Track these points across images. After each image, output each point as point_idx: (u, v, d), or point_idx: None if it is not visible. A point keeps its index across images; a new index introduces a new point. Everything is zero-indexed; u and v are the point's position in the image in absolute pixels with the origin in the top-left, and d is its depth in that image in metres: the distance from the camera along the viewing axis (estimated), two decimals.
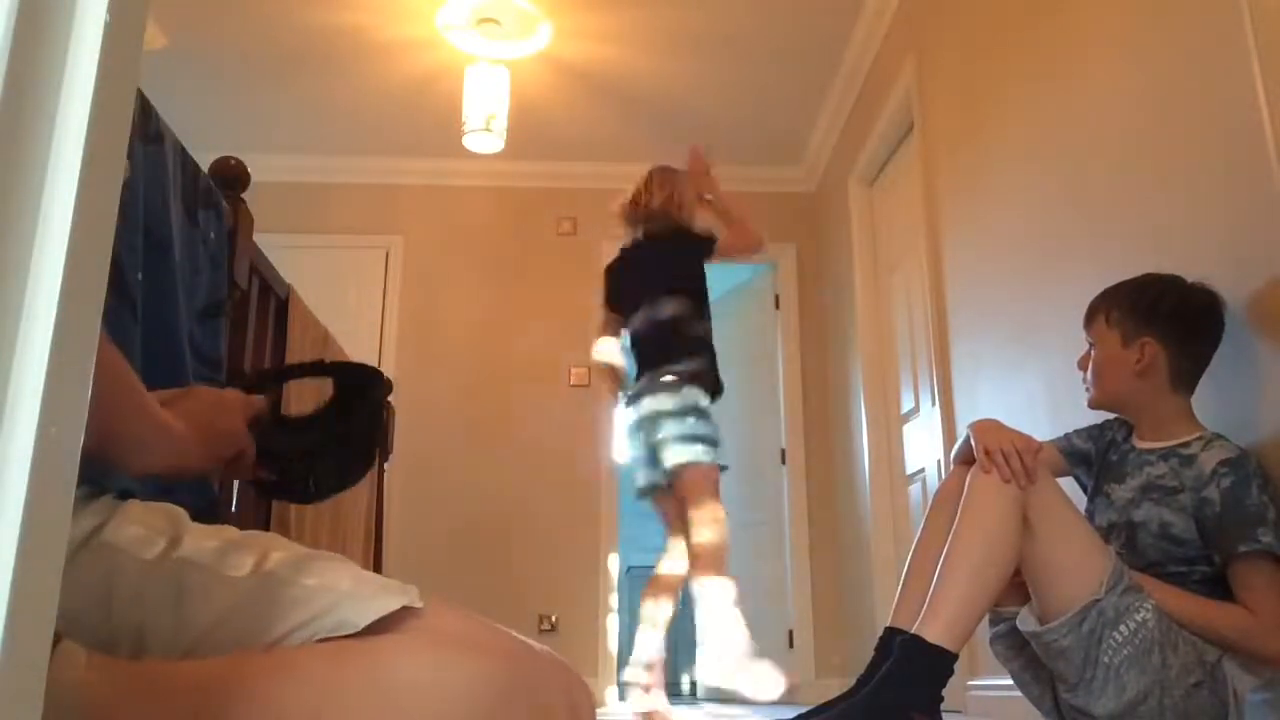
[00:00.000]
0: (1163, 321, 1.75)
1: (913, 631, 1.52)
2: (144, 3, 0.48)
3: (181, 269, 1.56)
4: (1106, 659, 1.49)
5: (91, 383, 0.43)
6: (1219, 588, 1.60)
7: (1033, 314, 2.66)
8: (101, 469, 0.75)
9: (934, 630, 1.49)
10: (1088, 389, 1.87)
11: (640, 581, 3.09)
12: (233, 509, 1.84)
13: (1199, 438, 1.70)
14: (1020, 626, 1.59)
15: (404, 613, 0.66)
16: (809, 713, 1.58)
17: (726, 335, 5.61)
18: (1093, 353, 1.84)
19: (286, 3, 4.03)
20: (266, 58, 4.40)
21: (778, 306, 5.30)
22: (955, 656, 1.49)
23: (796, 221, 5.34)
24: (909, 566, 1.75)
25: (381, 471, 2.75)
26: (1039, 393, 2.59)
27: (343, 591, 0.67)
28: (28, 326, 0.39)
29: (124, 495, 0.73)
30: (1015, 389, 2.75)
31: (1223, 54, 1.82)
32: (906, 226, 3.92)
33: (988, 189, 3.03)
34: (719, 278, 5.69)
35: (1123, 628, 1.49)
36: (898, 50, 3.89)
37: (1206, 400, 1.77)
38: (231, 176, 1.83)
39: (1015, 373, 2.77)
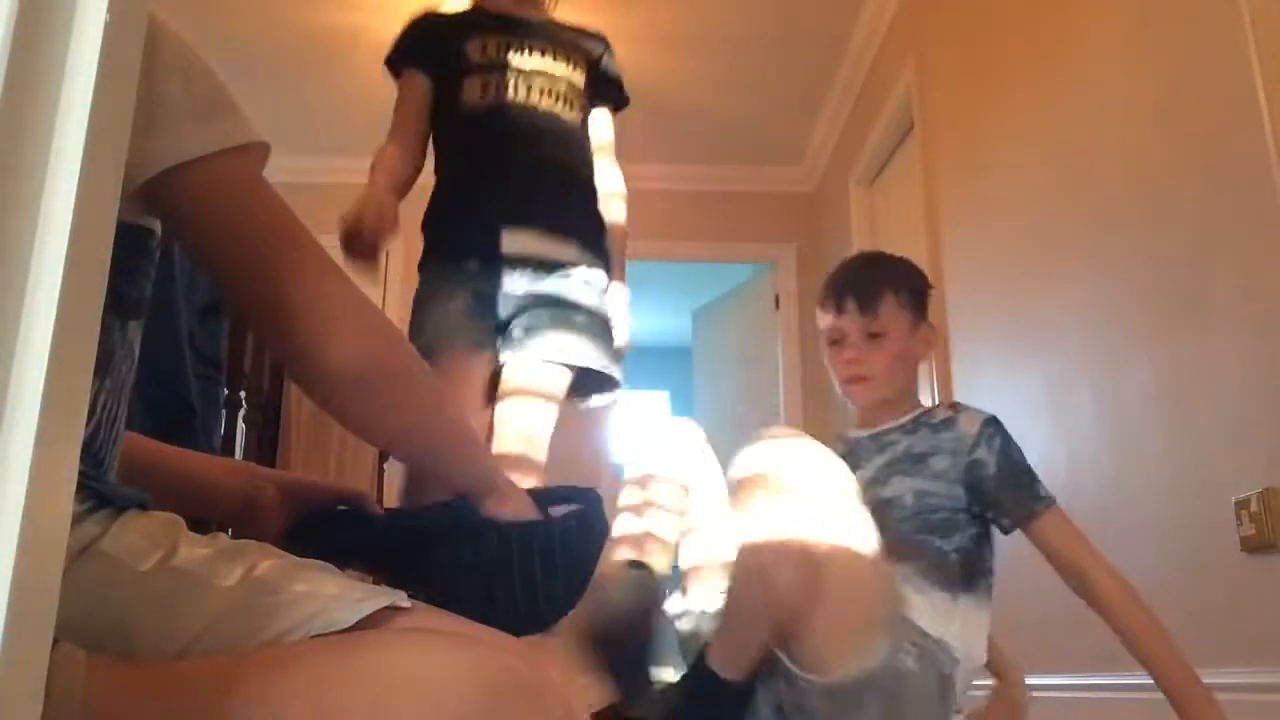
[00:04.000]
0: (927, 303, 1.68)
1: None
2: (144, 3, 0.48)
3: (181, 268, 1.56)
4: None
5: (92, 381, 0.43)
6: (979, 553, 1.55)
7: (1033, 314, 2.66)
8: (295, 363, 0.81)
9: None
10: (862, 380, 1.62)
11: None
12: None
13: (938, 405, 1.66)
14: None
15: (392, 612, 0.67)
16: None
17: (726, 335, 5.63)
18: (883, 341, 1.61)
19: (286, 2, 4.03)
20: (266, 58, 4.40)
21: (778, 306, 5.30)
22: None
23: (796, 221, 5.34)
24: None
25: (381, 472, 2.75)
26: (1039, 392, 2.59)
27: (329, 595, 0.68)
28: (28, 326, 0.39)
29: (126, 506, 0.73)
30: (1015, 389, 2.75)
31: (1223, 53, 1.82)
32: (906, 226, 3.92)
33: (988, 189, 3.03)
34: (718, 278, 5.72)
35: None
36: (898, 50, 3.89)
37: (1221, 403, 1.77)
38: None
39: (1015, 373, 2.77)
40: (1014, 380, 2.77)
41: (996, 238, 2.96)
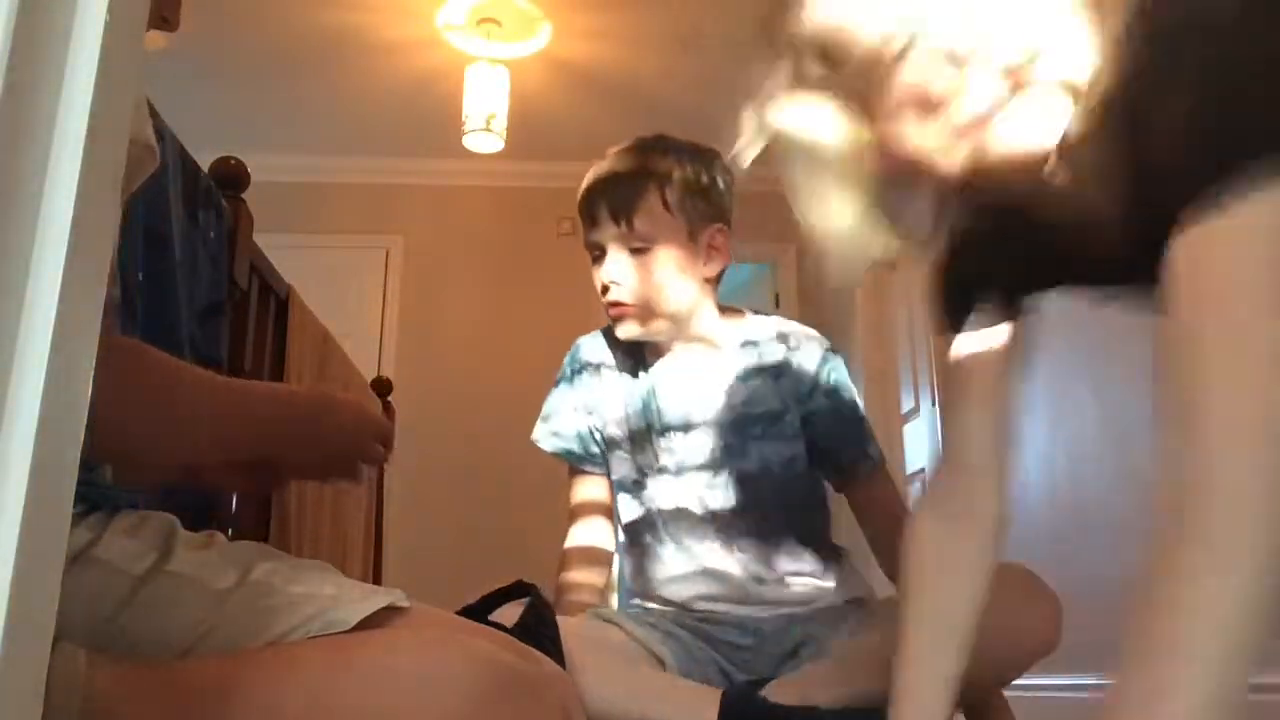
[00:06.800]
0: (726, 196, 1.32)
1: None
2: (144, 3, 0.48)
3: (181, 269, 1.56)
4: None
5: (92, 382, 0.43)
6: (823, 530, 1.39)
7: None
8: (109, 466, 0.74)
9: None
10: (622, 307, 1.29)
11: None
12: (233, 509, 1.84)
13: (750, 324, 1.37)
14: None
15: (391, 612, 0.67)
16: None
17: None
18: (650, 256, 1.28)
19: (286, 3, 4.02)
20: (266, 58, 4.39)
21: (778, 306, 5.29)
22: None
23: (796, 221, 5.33)
24: None
25: (381, 472, 2.75)
26: (1039, 392, 2.59)
27: (329, 596, 0.68)
28: (28, 326, 0.39)
29: (117, 508, 0.73)
30: None
31: None
32: None
33: None
34: None
35: None
36: None
37: None
38: (231, 176, 1.83)
39: None
40: None
41: None
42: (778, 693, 1.20)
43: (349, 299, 5.07)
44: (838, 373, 1.37)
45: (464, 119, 4.15)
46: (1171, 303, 0.64)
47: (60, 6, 0.41)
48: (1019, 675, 1.22)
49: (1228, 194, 0.59)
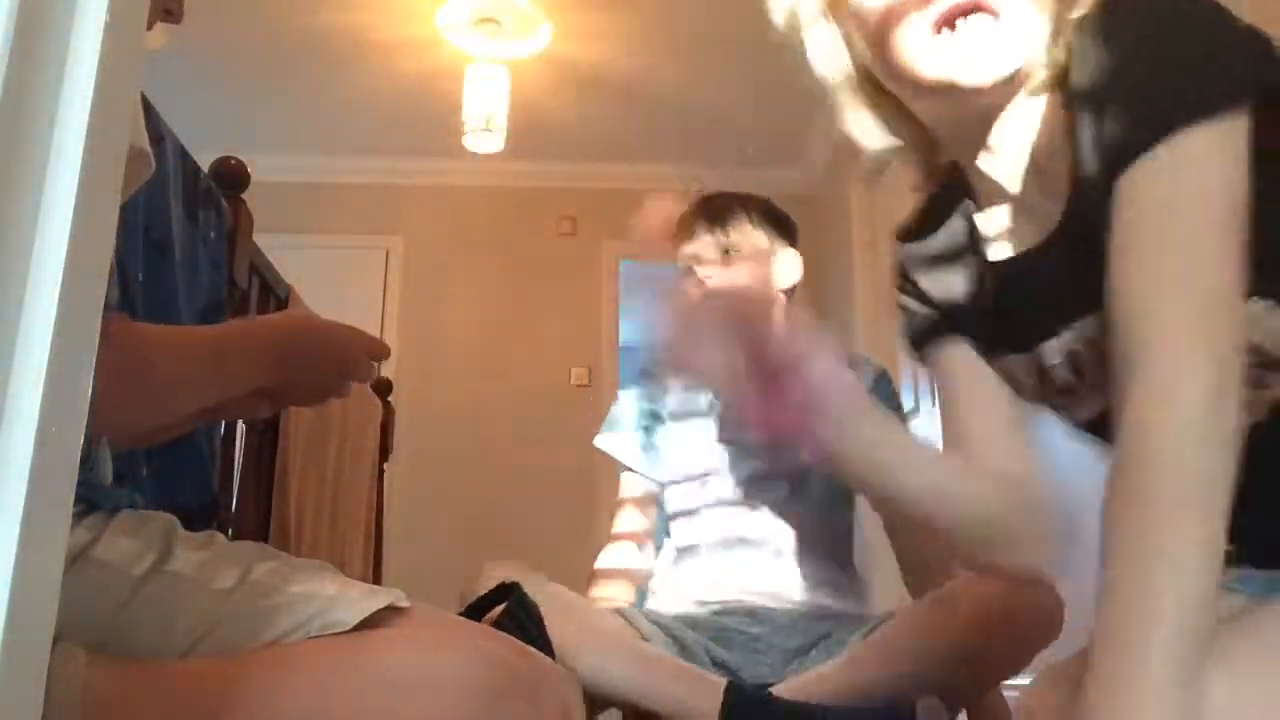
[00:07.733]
0: (790, 234, 1.60)
1: None
2: (144, 3, 0.48)
3: (181, 269, 1.56)
4: None
5: (92, 382, 0.43)
6: (848, 546, 1.54)
7: None
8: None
9: None
10: None
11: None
12: (232, 509, 1.84)
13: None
14: None
15: (391, 612, 0.67)
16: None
17: None
18: (739, 259, 1.53)
19: (286, 3, 4.03)
20: (266, 58, 4.40)
21: None
22: None
23: (796, 222, 5.34)
24: None
25: (382, 472, 2.75)
26: None
27: (329, 596, 0.67)
28: (28, 326, 0.39)
29: (116, 508, 0.73)
30: None
31: None
32: None
33: None
34: None
35: None
36: None
37: None
38: (231, 176, 1.83)
39: None
40: None
41: None
42: (783, 690, 1.21)
43: (349, 299, 5.06)
44: (888, 385, 1.58)
45: (464, 119, 4.15)
46: (1119, 246, 0.66)
47: (60, 6, 0.41)
48: (1019, 671, 1.23)
49: (1161, 135, 0.63)
